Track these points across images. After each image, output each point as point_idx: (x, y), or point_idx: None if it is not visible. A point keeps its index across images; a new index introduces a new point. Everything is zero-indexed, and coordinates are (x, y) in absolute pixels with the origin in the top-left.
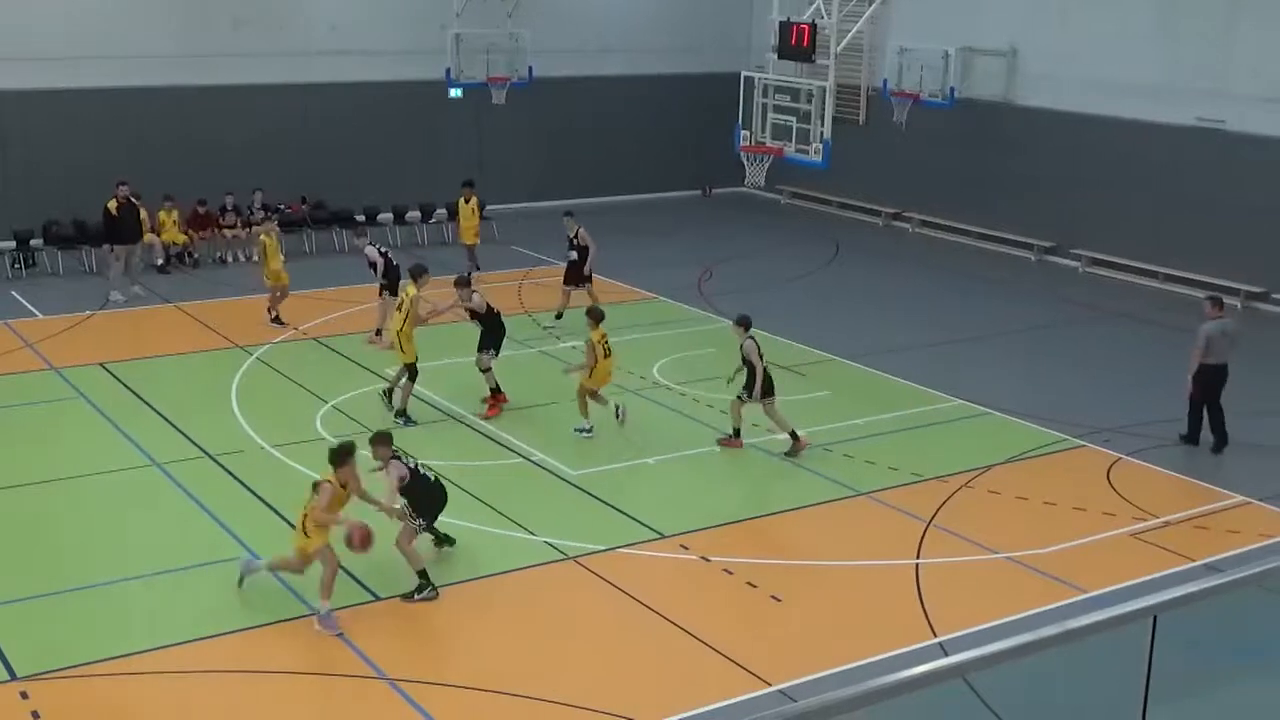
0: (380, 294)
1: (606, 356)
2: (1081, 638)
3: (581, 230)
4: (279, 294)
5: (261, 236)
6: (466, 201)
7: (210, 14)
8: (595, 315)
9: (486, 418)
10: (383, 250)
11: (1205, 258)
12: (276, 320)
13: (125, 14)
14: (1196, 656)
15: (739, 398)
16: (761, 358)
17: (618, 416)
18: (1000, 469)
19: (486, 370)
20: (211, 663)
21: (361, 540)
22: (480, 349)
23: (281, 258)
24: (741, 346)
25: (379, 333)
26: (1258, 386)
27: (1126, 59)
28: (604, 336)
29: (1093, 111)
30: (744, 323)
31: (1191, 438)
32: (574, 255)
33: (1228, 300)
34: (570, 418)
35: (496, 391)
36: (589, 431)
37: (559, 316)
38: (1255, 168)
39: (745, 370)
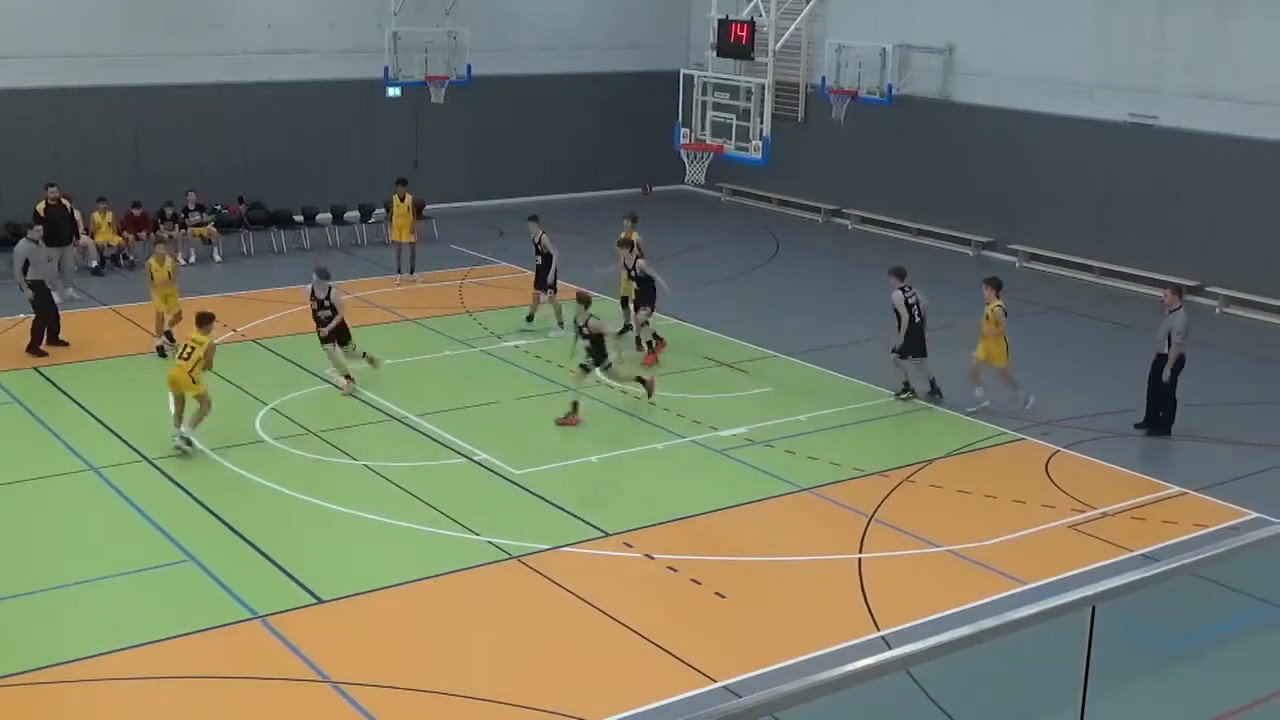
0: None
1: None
2: (1022, 628)
3: (545, 236)
4: (164, 319)
5: (150, 259)
6: (401, 200)
7: (146, 14)
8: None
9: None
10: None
11: (1140, 251)
12: (161, 350)
13: (59, 13)
14: (1135, 645)
15: (584, 367)
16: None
17: None
18: (941, 463)
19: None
20: (152, 669)
21: None
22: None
23: (165, 287)
24: (589, 323)
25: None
26: (1192, 379)
27: (1061, 56)
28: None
29: (1029, 108)
30: (584, 299)
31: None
32: (539, 260)
33: (1161, 292)
34: (517, 418)
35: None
36: None
37: (529, 319)
38: (1187, 163)
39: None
